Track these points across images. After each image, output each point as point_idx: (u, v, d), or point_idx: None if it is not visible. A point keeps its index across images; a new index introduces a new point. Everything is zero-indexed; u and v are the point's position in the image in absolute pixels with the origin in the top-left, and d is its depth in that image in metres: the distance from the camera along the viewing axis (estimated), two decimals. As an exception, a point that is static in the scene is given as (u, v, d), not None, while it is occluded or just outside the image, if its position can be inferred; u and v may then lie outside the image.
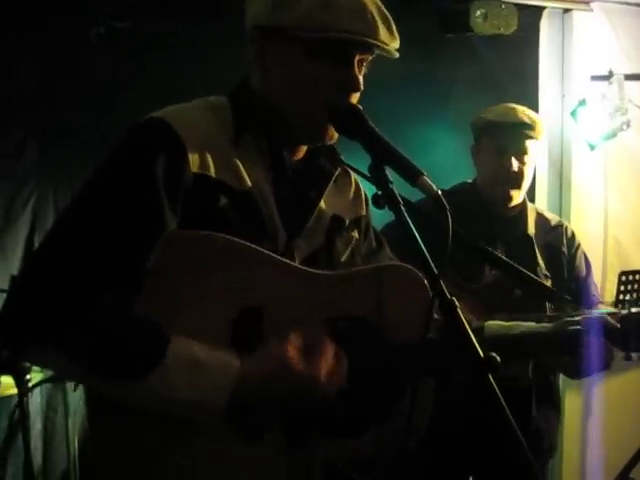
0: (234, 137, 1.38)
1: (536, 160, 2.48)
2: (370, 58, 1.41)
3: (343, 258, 1.49)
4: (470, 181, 2.57)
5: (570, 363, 1.89)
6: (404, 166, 1.25)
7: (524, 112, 2.43)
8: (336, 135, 1.42)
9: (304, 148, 1.48)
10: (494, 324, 1.66)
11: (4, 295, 2.34)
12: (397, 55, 1.41)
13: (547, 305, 2.27)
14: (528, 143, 2.40)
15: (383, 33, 1.35)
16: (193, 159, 1.30)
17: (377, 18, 1.34)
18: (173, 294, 1.28)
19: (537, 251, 2.44)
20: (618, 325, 1.73)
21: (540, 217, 2.56)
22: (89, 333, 1.22)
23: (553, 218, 2.62)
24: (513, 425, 1.08)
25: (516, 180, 2.41)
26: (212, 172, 1.32)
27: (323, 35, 1.32)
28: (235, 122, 1.39)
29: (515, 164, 2.38)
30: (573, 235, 2.60)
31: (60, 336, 1.22)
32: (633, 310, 1.82)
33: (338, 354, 1.34)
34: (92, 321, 1.23)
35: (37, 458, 3.17)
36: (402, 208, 1.23)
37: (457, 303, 1.13)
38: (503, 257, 2.16)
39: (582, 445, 3.98)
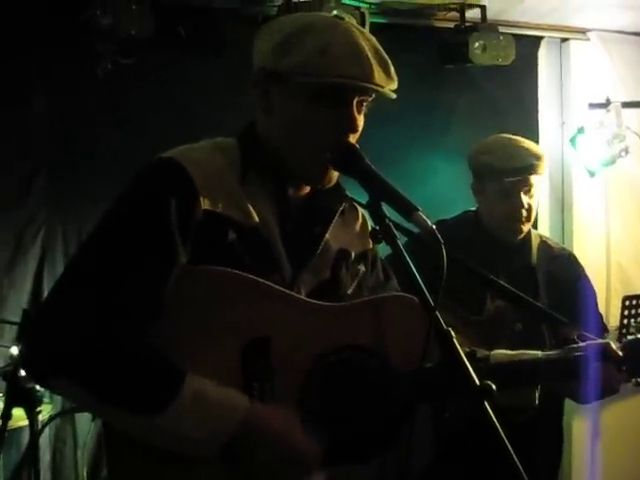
0: (241, 176, 1.43)
1: (539, 189, 2.44)
2: (370, 99, 1.45)
3: (350, 291, 1.53)
4: (473, 209, 2.55)
5: (576, 388, 1.90)
6: (399, 202, 1.29)
7: (527, 151, 2.37)
8: (335, 177, 1.47)
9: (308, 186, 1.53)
10: (499, 353, 1.69)
11: (15, 327, 2.42)
12: (394, 96, 1.45)
13: (547, 340, 2.26)
14: (533, 179, 2.37)
15: (379, 76, 1.39)
16: (203, 196, 1.36)
17: (373, 62, 1.38)
18: (185, 327, 1.33)
19: (539, 282, 2.41)
20: (620, 353, 1.75)
21: (544, 244, 2.52)
22: (107, 367, 1.27)
23: (556, 245, 2.59)
24: (510, 452, 1.10)
25: (526, 216, 2.38)
26: (221, 209, 1.38)
27: (319, 80, 1.37)
28: (242, 162, 1.45)
29: (525, 201, 2.35)
30: (577, 263, 2.55)
31: (79, 370, 1.27)
32: (630, 338, 1.83)
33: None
34: (111, 355, 1.28)
35: (46, 489, 3.19)
36: (398, 242, 1.27)
37: (453, 333, 1.16)
38: (506, 285, 2.18)
39: (590, 471, 3.97)
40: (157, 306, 1.30)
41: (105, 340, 1.27)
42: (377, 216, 1.31)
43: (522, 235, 2.44)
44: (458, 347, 1.15)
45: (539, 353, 1.74)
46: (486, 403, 1.12)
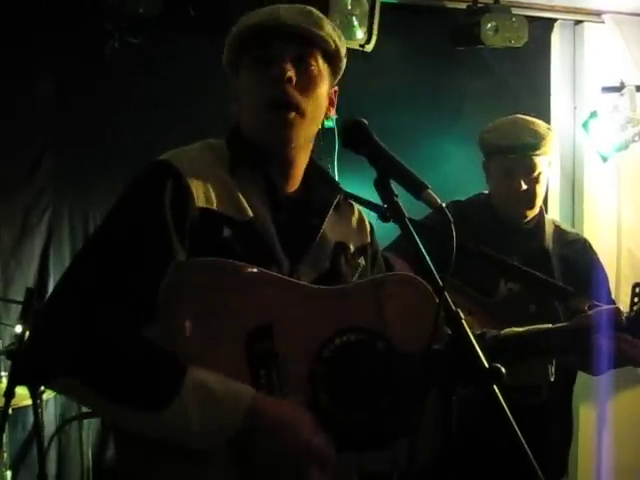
0: (231, 172, 1.46)
1: (548, 171, 2.41)
2: (317, 54, 1.46)
3: (351, 282, 1.52)
4: (487, 192, 2.52)
5: (588, 359, 1.88)
6: (409, 179, 1.26)
7: (530, 129, 2.35)
8: (296, 137, 1.46)
9: (298, 178, 1.53)
10: (508, 330, 1.67)
11: (19, 307, 2.42)
12: (321, 34, 1.46)
13: (561, 319, 2.25)
14: (536, 160, 2.33)
15: (287, 14, 1.43)
16: (197, 195, 1.39)
17: (281, 8, 1.44)
18: (186, 318, 1.32)
19: (554, 266, 2.38)
20: (624, 320, 1.74)
21: (558, 230, 2.50)
22: (108, 366, 1.28)
23: (571, 231, 2.57)
24: (519, 436, 1.08)
25: (527, 200, 2.36)
26: (215, 205, 1.40)
27: (237, 45, 1.46)
28: (231, 159, 1.48)
29: (524, 185, 2.33)
30: (591, 249, 2.54)
31: (81, 369, 1.28)
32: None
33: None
34: (111, 354, 1.28)
35: (51, 469, 3.19)
36: (407, 221, 1.24)
37: (462, 315, 1.14)
38: (519, 265, 2.15)
39: (597, 458, 3.96)
40: (154, 301, 1.31)
41: (106, 339, 1.28)
42: (385, 194, 1.28)
43: (528, 219, 2.42)
44: (467, 329, 1.13)
45: (549, 325, 1.72)
46: (495, 387, 1.10)
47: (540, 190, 2.39)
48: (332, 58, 1.50)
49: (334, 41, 1.48)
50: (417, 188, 1.24)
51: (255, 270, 1.36)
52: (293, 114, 1.43)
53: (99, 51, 3.16)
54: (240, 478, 1.32)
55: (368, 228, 1.64)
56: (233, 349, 1.33)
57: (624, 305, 3.34)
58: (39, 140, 3.25)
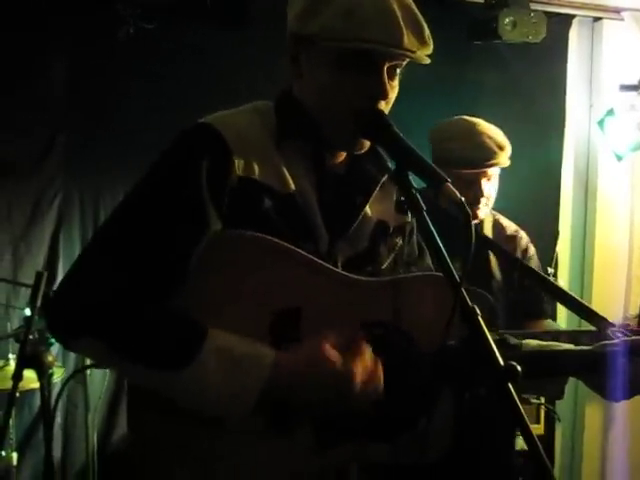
0: (277, 141, 1.41)
1: (497, 178, 2.42)
2: (404, 63, 1.39)
3: (385, 264, 1.50)
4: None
5: (605, 384, 1.87)
6: (428, 172, 1.25)
7: (490, 139, 2.35)
8: (367, 144, 1.42)
9: (346, 153, 1.48)
10: (533, 342, 1.66)
11: (29, 291, 2.43)
12: (427, 61, 1.39)
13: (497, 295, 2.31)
14: (493, 170, 2.35)
15: (409, 41, 1.33)
16: (239, 163, 1.34)
17: (403, 25, 1.32)
18: (215, 292, 1.31)
19: (492, 261, 2.41)
20: None
21: (497, 224, 2.53)
22: (133, 326, 1.27)
23: (509, 226, 2.59)
24: (532, 433, 1.08)
25: (485, 203, 2.38)
26: (257, 175, 1.35)
27: (344, 45, 1.33)
28: (278, 127, 1.42)
29: (485, 190, 2.34)
30: (527, 246, 2.57)
31: (105, 327, 1.27)
32: None
33: (375, 360, 1.33)
34: (136, 315, 1.27)
35: (57, 452, 3.20)
36: (425, 214, 1.23)
37: (478, 311, 1.12)
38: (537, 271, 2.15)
39: (602, 459, 3.95)
40: (184, 270, 1.28)
41: (130, 300, 1.27)
42: (404, 186, 1.26)
43: (477, 220, 2.43)
44: (483, 325, 1.12)
45: (570, 345, 1.71)
46: (510, 385, 1.08)
47: (493, 194, 2.41)
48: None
49: (428, 60, 1.41)
50: (437, 181, 1.23)
51: (291, 250, 1.33)
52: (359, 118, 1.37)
53: (112, 36, 3.15)
54: (254, 443, 1.30)
55: None
56: (258, 327, 1.31)
57: (634, 305, 3.31)
58: (51, 125, 3.25)
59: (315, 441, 1.35)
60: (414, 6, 1.38)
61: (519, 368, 1.08)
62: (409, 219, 1.57)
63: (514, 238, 2.54)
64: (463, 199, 1.20)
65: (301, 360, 1.28)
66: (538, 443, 1.07)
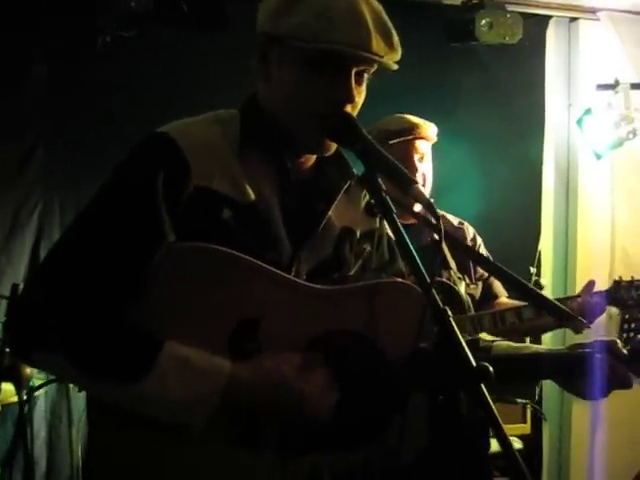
0: (239, 150, 1.39)
1: (430, 162, 2.57)
2: (372, 70, 1.39)
3: (352, 270, 1.49)
4: None
5: (580, 385, 1.88)
6: (396, 175, 1.25)
7: (413, 117, 2.56)
8: (333, 147, 1.42)
9: (312, 159, 1.47)
10: (504, 344, 1.66)
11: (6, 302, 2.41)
12: (395, 67, 1.38)
13: (466, 308, 2.38)
14: (422, 144, 2.50)
15: (377, 45, 1.32)
16: (196, 173, 1.32)
17: (372, 29, 1.32)
18: (173, 304, 1.30)
19: (446, 254, 2.47)
20: (625, 352, 1.72)
21: (443, 219, 2.59)
22: (89, 340, 1.27)
23: (454, 219, 2.70)
24: (505, 434, 1.07)
25: (422, 182, 2.48)
26: (215, 185, 1.34)
27: (313, 45, 1.32)
28: (241, 135, 1.41)
29: (419, 167, 2.48)
30: (474, 235, 2.70)
31: (61, 342, 1.26)
32: None
33: (328, 376, 1.34)
34: (92, 328, 1.27)
35: (41, 466, 3.18)
36: (394, 216, 1.23)
37: (449, 312, 1.12)
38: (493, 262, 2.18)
39: (590, 457, 3.95)
40: (139, 281, 1.28)
41: (86, 313, 1.26)
42: (373, 189, 1.26)
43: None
44: (455, 327, 1.12)
45: (542, 347, 1.71)
46: (482, 386, 1.08)
47: (430, 174, 2.55)
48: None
49: (395, 67, 1.40)
50: (405, 184, 1.23)
51: (250, 262, 1.32)
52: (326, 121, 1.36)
53: (91, 45, 3.14)
54: (221, 454, 1.30)
55: None
56: (217, 340, 1.31)
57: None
58: (30, 135, 3.24)
59: (279, 453, 1.35)
60: (384, 12, 1.38)
61: (491, 369, 1.07)
62: (377, 225, 1.56)
63: (460, 229, 2.66)
64: (432, 200, 1.20)
65: (256, 373, 1.28)
66: (512, 444, 1.07)
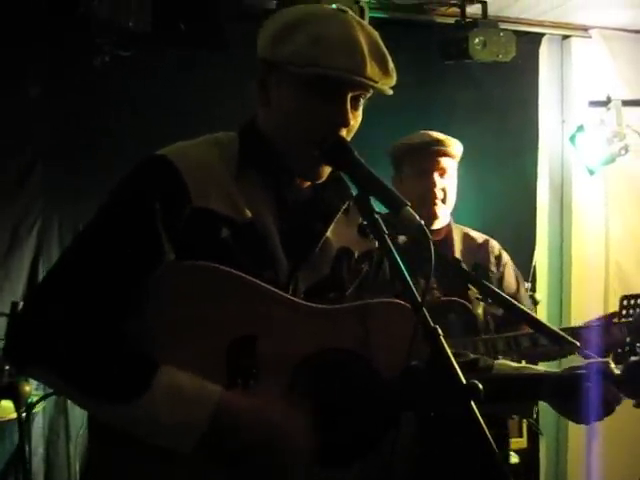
0: (237, 171, 1.42)
1: (455, 181, 2.55)
2: (368, 95, 1.43)
3: (350, 290, 1.51)
4: None
5: (575, 408, 1.89)
6: (388, 197, 1.28)
7: (437, 133, 2.53)
8: (327, 172, 1.45)
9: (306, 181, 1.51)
10: (504, 364, 1.67)
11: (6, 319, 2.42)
12: (390, 92, 1.42)
13: (481, 329, 2.34)
14: (445, 161, 2.48)
15: (372, 70, 1.36)
16: (195, 194, 1.35)
17: (367, 55, 1.35)
18: (172, 320, 1.32)
19: (466, 274, 2.41)
20: (618, 372, 1.73)
21: (466, 237, 2.59)
22: (84, 359, 1.29)
23: (479, 237, 2.64)
24: (494, 450, 1.10)
25: (442, 198, 2.47)
26: (214, 206, 1.37)
27: (309, 71, 1.35)
28: (240, 156, 1.44)
29: (439, 182, 2.46)
30: (500, 252, 2.62)
31: (57, 360, 1.29)
32: (633, 358, 1.82)
33: (314, 428, 1.35)
34: (88, 347, 1.29)
35: (39, 481, 3.19)
36: (386, 237, 1.26)
37: (440, 331, 1.15)
38: (487, 284, 2.18)
39: (586, 471, 3.96)
40: (137, 300, 1.30)
41: (83, 332, 1.29)
42: (365, 210, 1.29)
43: (440, 223, 2.50)
44: (445, 345, 1.14)
45: (541, 369, 1.73)
46: (472, 402, 1.11)
47: (452, 193, 2.51)
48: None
49: (390, 92, 1.44)
50: (396, 205, 1.26)
51: (248, 280, 1.35)
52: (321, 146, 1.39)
53: (89, 64, 3.17)
54: (212, 476, 1.31)
55: None
56: (214, 357, 1.33)
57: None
58: (28, 152, 3.27)
59: (268, 473, 1.35)
60: (379, 38, 1.42)
61: (480, 386, 1.10)
62: (375, 246, 1.57)
63: (485, 246, 2.60)
64: (422, 222, 1.23)
65: (243, 409, 1.30)
66: (501, 460, 1.09)
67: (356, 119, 1.43)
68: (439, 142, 2.48)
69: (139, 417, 1.27)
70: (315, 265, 1.46)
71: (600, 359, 1.82)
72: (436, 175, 2.46)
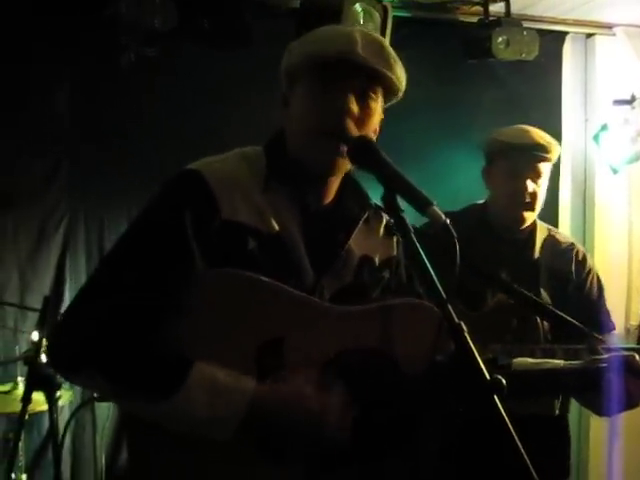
0: (264, 185, 1.49)
1: (547, 181, 2.42)
2: (378, 91, 1.49)
3: (373, 296, 1.57)
4: (481, 202, 2.52)
5: (597, 400, 1.88)
6: (414, 196, 1.30)
7: (539, 134, 2.38)
8: (344, 166, 1.51)
9: (332, 191, 1.56)
10: (522, 360, 1.68)
11: (36, 314, 2.47)
12: (401, 84, 1.49)
13: (542, 336, 2.25)
14: (542, 165, 2.36)
15: (364, 52, 1.43)
16: (224, 206, 1.42)
17: (359, 42, 1.44)
18: (202, 327, 1.38)
19: (541, 278, 2.37)
20: None
21: (551, 239, 2.48)
22: (123, 359, 1.35)
23: (565, 240, 2.53)
24: (519, 446, 1.11)
25: (530, 202, 2.37)
26: (242, 218, 1.44)
27: (307, 63, 1.46)
28: (266, 171, 1.51)
29: (530, 186, 2.34)
30: (584, 258, 2.49)
31: (101, 362, 1.35)
32: None
33: (349, 403, 1.39)
34: (126, 348, 1.35)
35: (66, 473, 3.24)
36: (412, 236, 1.28)
37: (464, 327, 1.17)
38: (510, 283, 2.16)
39: (608, 467, 3.94)
40: (172, 307, 1.35)
41: (122, 336, 1.35)
42: (392, 209, 1.32)
43: (526, 225, 2.41)
44: (469, 341, 1.16)
45: (561, 362, 1.73)
46: (496, 398, 1.12)
47: (541, 195, 2.40)
48: (392, 95, 1.54)
49: (400, 82, 1.50)
50: (422, 204, 1.28)
51: (274, 286, 1.40)
52: (345, 146, 1.44)
53: (115, 63, 3.21)
54: (242, 474, 1.37)
55: (395, 239, 1.66)
56: (245, 360, 1.38)
57: (635, 316, 3.31)
58: (55, 151, 3.32)
59: (305, 469, 1.40)
60: (382, 40, 1.51)
61: (504, 382, 1.11)
62: (395, 252, 1.64)
63: (569, 251, 2.47)
64: (448, 221, 1.25)
65: (279, 395, 1.35)
66: (526, 457, 1.11)
67: (365, 112, 1.48)
68: (541, 148, 2.33)
69: (176, 411, 1.32)
70: (339, 273, 1.52)
71: (624, 352, 1.81)
72: (529, 180, 2.34)
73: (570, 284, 2.41)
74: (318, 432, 1.36)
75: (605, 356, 1.73)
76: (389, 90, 1.51)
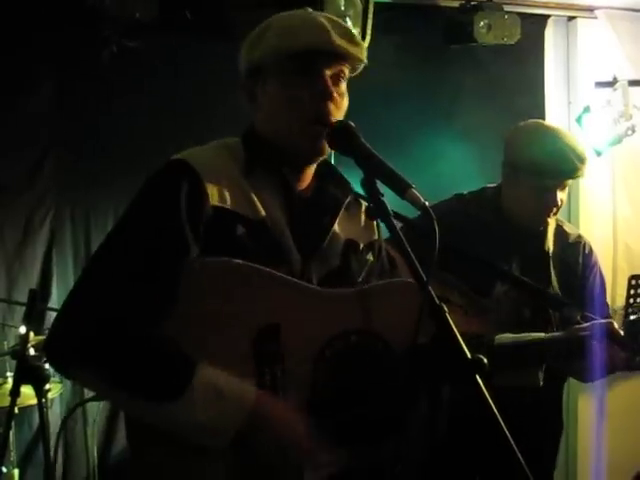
0: (246, 172, 1.50)
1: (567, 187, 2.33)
2: (346, 71, 1.51)
3: (359, 279, 1.58)
4: (492, 186, 2.46)
5: (579, 367, 1.91)
6: (394, 179, 1.31)
7: (574, 153, 2.25)
8: (327, 149, 1.51)
9: (311, 175, 1.58)
10: (504, 336, 1.70)
11: (24, 309, 2.47)
12: (364, 61, 1.52)
13: (555, 327, 2.20)
14: (571, 181, 2.31)
15: (337, 39, 1.46)
16: (212, 193, 1.43)
17: (330, 29, 1.46)
18: (200, 315, 1.38)
19: (552, 268, 2.37)
20: (622, 332, 1.75)
21: (560, 230, 2.46)
22: (122, 357, 1.35)
23: (573, 233, 2.50)
24: (502, 426, 1.13)
25: (555, 211, 2.33)
26: (229, 204, 1.44)
27: (282, 56, 1.46)
28: (246, 158, 1.52)
29: (558, 198, 2.28)
30: (591, 251, 2.49)
31: (96, 359, 1.34)
32: (632, 317, 1.84)
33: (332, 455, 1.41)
34: (125, 345, 1.35)
35: (58, 467, 3.24)
36: (392, 219, 1.29)
37: (446, 308, 1.18)
38: (512, 272, 2.17)
39: (595, 451, 3.99)
40: (170, 296, 1.36)
41: (121, 330, 1.34)
42: (371, 193, 1.33)
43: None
44: (450, 321, 1.18)
45: (542, 334, 1.75)
46: (478, 377, 1.14)
47: (565, 198, 2.34)
48: (354, 71, 1.56)
49: (364, 59, 1.53)
50: (402, 187, 1.29)
51: (266, 272, 1.41)
52: (327, 130, 1.47)
53: (97, 55, 3.20)
54: (237, 477, 1.38)
55: (375, 224, 1.69)
56: (242, 346, 1.39)
57: (621, 298, 3.34)
58: (40, 144, 3.30)
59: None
60: (342, 22, 1.53)
61: (485, 360, 1.13)
62: (376, 236, 1.66)
63: (576, 245, 2.46)
64: (427, 203, 1.26)
65: (275, 413, 1.37)
66: (510, 438, 1.12)
67: (341, 96, 1.50)
68: (577, 173, 2.24)
69: (177, 415, 1.32)
70: (325, 257, 1.54)
71: (602, 320, 1.84)
72: (558, 191, 2.27)
73: (576, 276, 2.41)
74: (298, 455, 1.39)
75: (586, 324, 1.76)
76: (355, 68, 1.55)
